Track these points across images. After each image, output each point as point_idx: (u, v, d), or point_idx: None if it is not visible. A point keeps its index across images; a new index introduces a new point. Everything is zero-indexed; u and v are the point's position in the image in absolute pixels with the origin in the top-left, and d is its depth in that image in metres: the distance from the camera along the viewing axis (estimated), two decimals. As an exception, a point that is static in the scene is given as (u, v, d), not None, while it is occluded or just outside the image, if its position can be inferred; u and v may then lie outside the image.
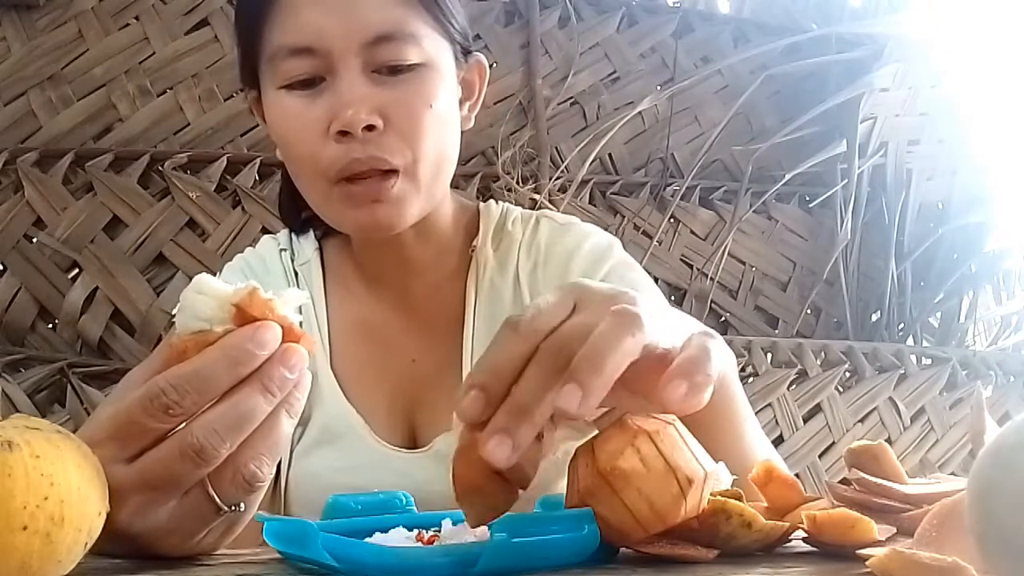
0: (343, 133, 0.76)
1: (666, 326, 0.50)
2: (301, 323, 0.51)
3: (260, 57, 0.81)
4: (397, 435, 0.87)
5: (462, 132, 0.86)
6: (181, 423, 0.48)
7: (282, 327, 0.49)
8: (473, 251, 0.91)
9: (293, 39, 0.77)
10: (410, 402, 0.88)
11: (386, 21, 0.77)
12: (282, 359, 0.49)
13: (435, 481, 0.82)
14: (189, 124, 2.01)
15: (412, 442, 0.88)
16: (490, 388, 0.46)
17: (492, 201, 0.96)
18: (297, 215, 0.96)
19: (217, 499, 0.49)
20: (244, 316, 0.48)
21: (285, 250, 0.95)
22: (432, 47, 0.80)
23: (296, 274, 0.94)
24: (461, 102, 0.87)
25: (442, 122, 0.81)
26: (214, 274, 0.53)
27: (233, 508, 0.50)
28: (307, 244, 0.96)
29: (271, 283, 0.91)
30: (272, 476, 0.51)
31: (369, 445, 0.86)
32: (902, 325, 2.49)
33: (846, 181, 2.37)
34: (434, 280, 0.90)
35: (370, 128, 0.76)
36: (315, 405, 0.87)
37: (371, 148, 0.76)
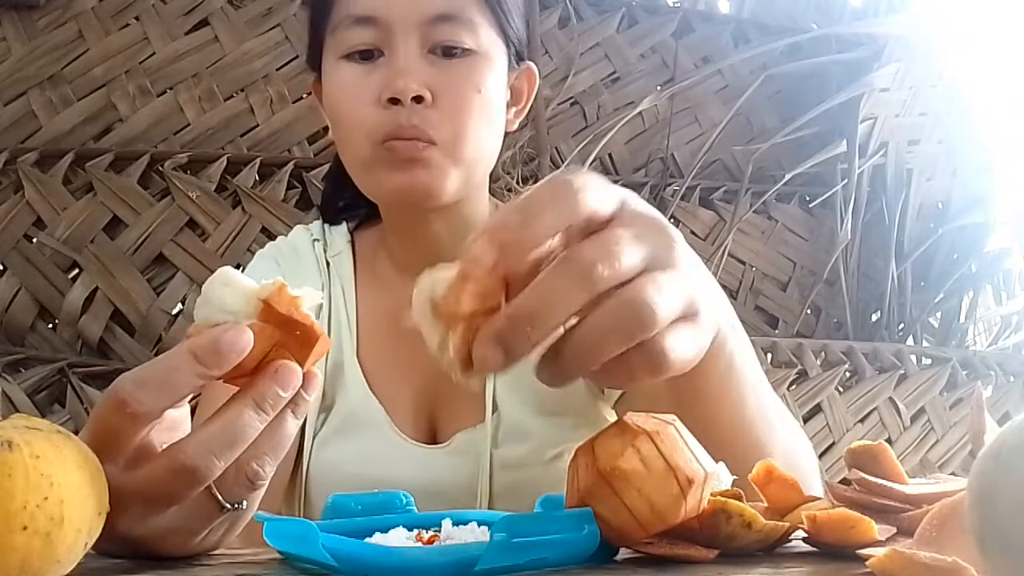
0: (393, 101, 0.79)
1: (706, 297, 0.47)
2: (329, 317, 0.50)
3: (326, 30, 0.84)
4: (418, 429, 0.88)
5: (505, 135, 0.88)
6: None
7: (304, 325, 0.49)
8: None
9: (358, 9, 0.81)
10: (434, 397, 0.88)
11: (448, 4, 0.81)
12: (276, 377, 0.48)
13: (453, 476, 0.84)
14: (189, 124, 2.01)
15: (432, 436, 0.88)
16: (507, 246, 0.43)
17: None
18: (337, 201, 0.98)
19: (220, 497, 0.49)
20: (270, 312, 0.48)
21: (318, 240, 0.96)
22: (488, 40, 0.83)
23: (328, 264, 0.94)
24: (508, 106, 0.89)
25: (488, 110, 0.83)
26: (239, 268, 0.53)
27: (236, 506, 0.50)
28: (339, 236, 0.96)
29: (303, 273, 0.92)
30: (272, 474, 0.51)
31: (389, 437, 0.86)
32: (902, 325, 2.49)
33: (846, 181, 2.37)
34: None
35: (418, 100, 0.79)
36: (338, 394, 0.88)
37: (416, 118, 0.79)
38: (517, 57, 0.89)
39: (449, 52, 0.81)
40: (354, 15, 0.81)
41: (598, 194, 0.45)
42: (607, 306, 0.43)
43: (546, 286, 0.43)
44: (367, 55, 0.82)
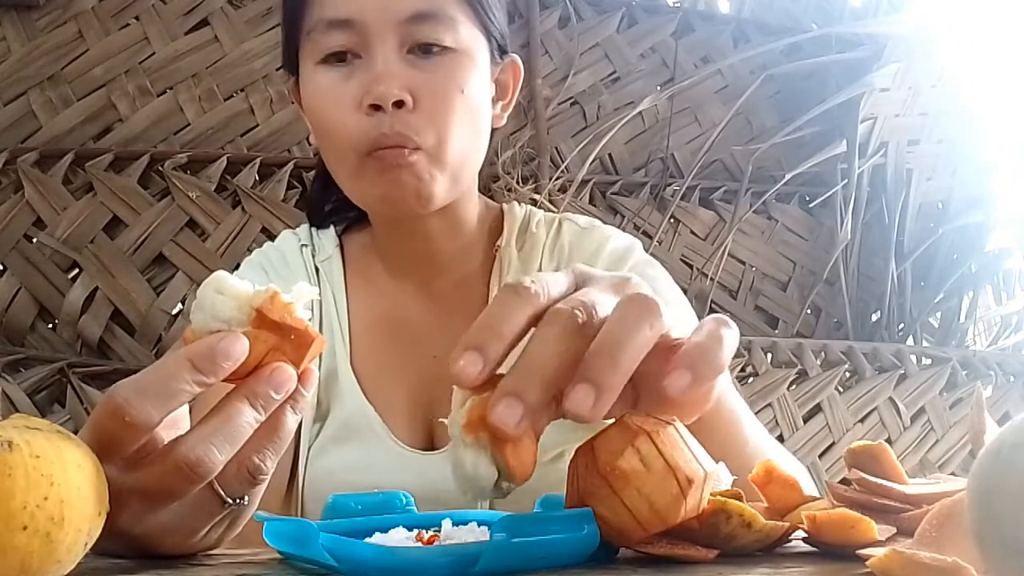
0: (374, 107, 0.77)
1: (675, 316, 0.49)
2: (321, 323, 0.51)
3: (301, 34, 0.82)
4: (415, 434, 0.86)
5: (493, 130, 0.87)
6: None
7: (298, 329, 0.49)
8: (497, 251, 0.91)
9: (332, 12, 0.79)
10: (430, 400, 0.87)
11: (426, 1, 0.79)
12: (269, 380, 0.49)
13: (450, 481, 0.82)
14: (189, 124, 2.01)
15: (430, 441, 0.87)
16: (488, 349, 0.45)
17: (515, 203, 0.96)
18: (324, 204, 0.97)
19: (222, 492, 0.49)
20: (263, 319, 0.48)
21: (306, 246, 0.95)
22: (468, 36, 0.81)
23: (317, 270, 0.93)
24: (494, 101, 0.88)
25: (472, 110, 0.81)
26: (233, 271, 0.53)
27: (237, 501, 0.50)
28: (328, 240, 0.95)
29: (291, 279, 0.90)
30: (273, 470, 0.51)
31: (385, 444, 0.85)
32: (902, 325, 2.49)
33: (846, 181, 2.37)
34: (458, 276, 0.90)
35: (399, 104, 0.77)
36: (333, 402, 0.87)
37: (398, 124, 0.77)
38: (500, 51, 0.87)
39: (428, 50, 0.79)
40: (328, 18, 0.79)
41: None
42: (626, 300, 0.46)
43: (536, 337, 0.45)
44: (343, 58, 0.79)
